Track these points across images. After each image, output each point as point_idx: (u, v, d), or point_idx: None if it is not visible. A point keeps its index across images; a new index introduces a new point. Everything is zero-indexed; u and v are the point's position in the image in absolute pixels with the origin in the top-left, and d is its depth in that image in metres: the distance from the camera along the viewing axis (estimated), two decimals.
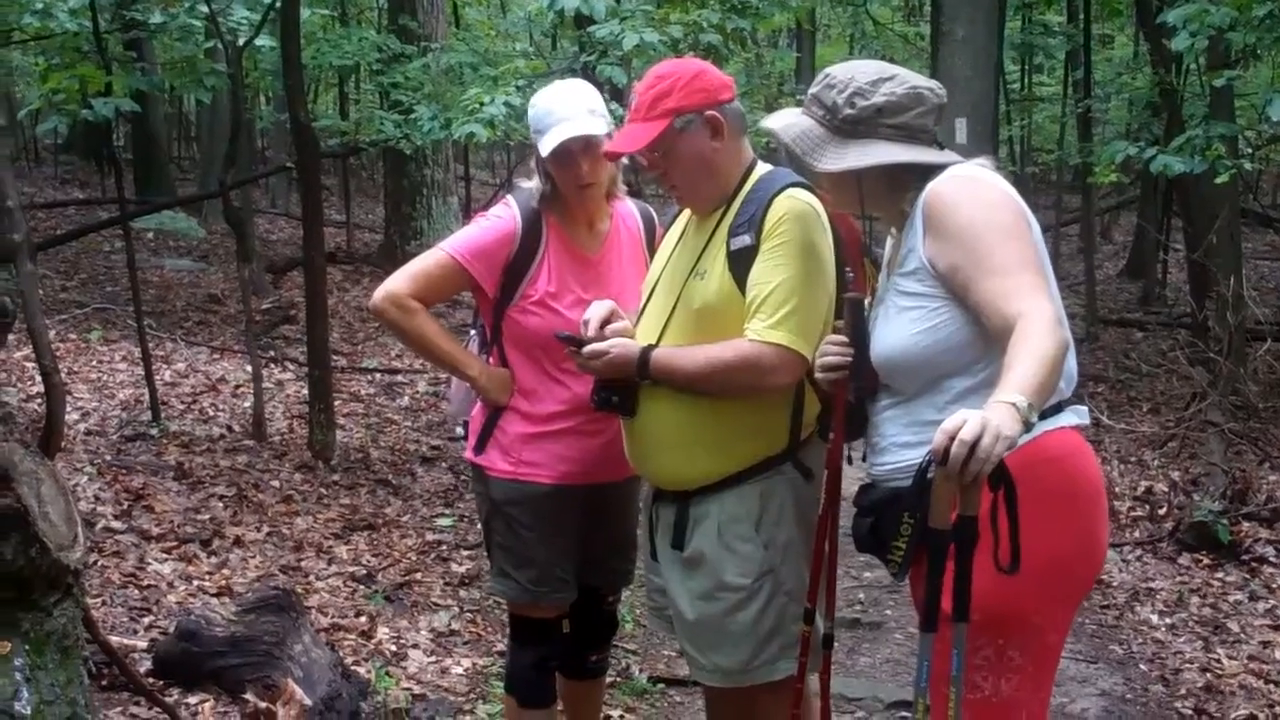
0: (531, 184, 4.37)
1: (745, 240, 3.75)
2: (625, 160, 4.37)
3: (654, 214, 4.62)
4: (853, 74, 3.44)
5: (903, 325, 3.31)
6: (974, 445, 2.71)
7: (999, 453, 2.73)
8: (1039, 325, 2.95)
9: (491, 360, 4.40)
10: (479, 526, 4.66)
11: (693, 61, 4.07)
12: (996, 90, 14.98)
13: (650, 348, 3.88)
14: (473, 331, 4.60)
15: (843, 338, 3.50)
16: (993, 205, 3.23)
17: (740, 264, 3.75)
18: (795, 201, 3.75)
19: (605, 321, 3.98)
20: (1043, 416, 3.07)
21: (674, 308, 3.89)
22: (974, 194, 3.25)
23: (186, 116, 31.50)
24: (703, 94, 3.82)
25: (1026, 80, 26.50)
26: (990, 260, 3.12)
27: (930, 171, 3.34)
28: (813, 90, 3.51)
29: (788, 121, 3.51)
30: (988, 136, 12.51)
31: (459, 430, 4.76)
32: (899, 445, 3.36)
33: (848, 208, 3.62)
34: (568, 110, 4.20)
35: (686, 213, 4.08)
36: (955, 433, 2.73)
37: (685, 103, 3.79)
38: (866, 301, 3.53)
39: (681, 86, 3.80)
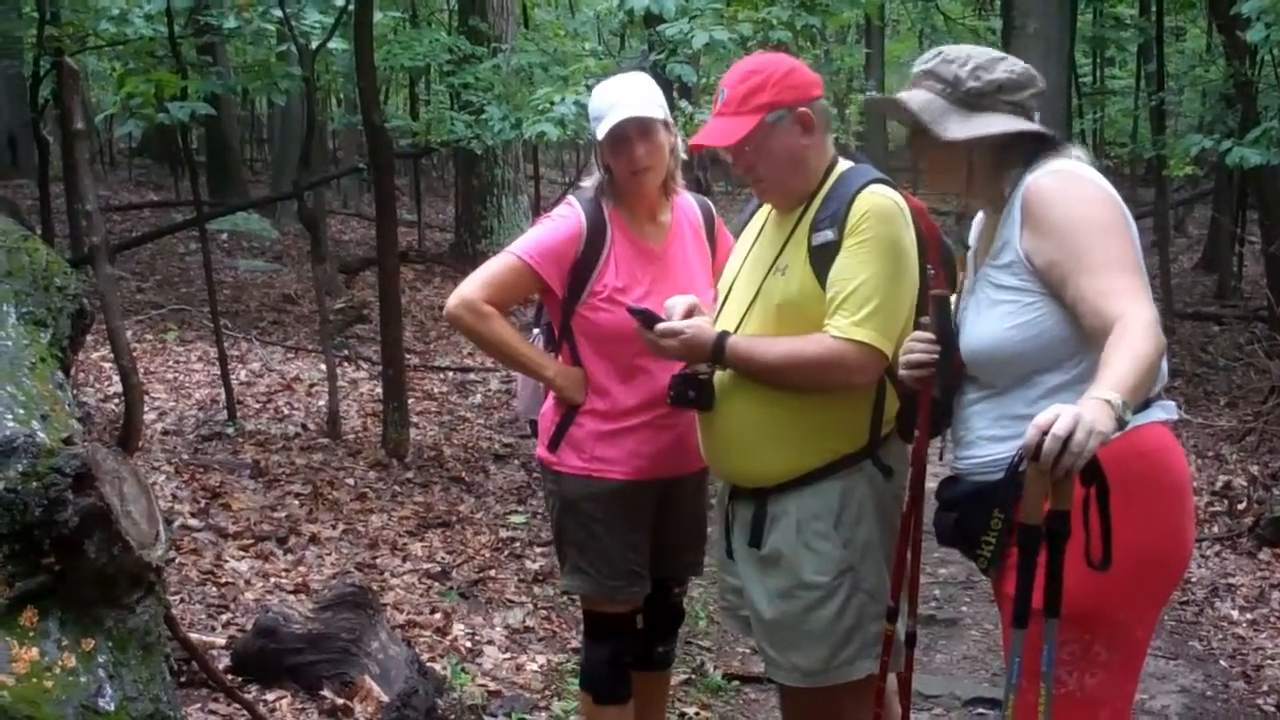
0: (592, 180, 4.40)
1: (828, 236, 3.73)
2: (685, 155, 4.41)
3: (712, 207, 4.64)
4: (970, 52, 3.47)
5: (996, 319, 3.30)
6: (1067, 440, 2.70)
7: (1092, 448, 2.72)
8: (1138, 327, 2.94)
9: (560, 359, 4.41)
10: (551, 524, 4.67)
11: (783, 57, 4.03)
12: (1069, 84, 14.87)
13: (726, 334, 3.86)
14: (536, 330, 4.60)
15: (929, 335, 3.48)
16: (1093, 202, 3.22)
17: (822, 260, 3.73)
18: (879, 198, 3.73)
19: (687, 314, 3.97)
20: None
21: (753, 302, 3.88)
22: (1075, 191, 3.24)
23: (258, 119, 31.79)
24: (795, 90, 3.81)
25: (1098, 73, 26.27)
26: (1089, 258, 3.11)
27: (1034, 157, 3.35)
28: (926, 66, 3.49)
29: (905, 95, 3.50)
30: (1060, 130, 12.41)
31: (529, 429, 4.78)
32: (986, 439, 3.35)
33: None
34: (623, 97, 4.23)
35: (764, 209, 4.07)
36: (1048, 427, 2.72)
37: (779, 99, 3.78)
38: (953, 296, 3.52)
39: (775, 82, 3.79)
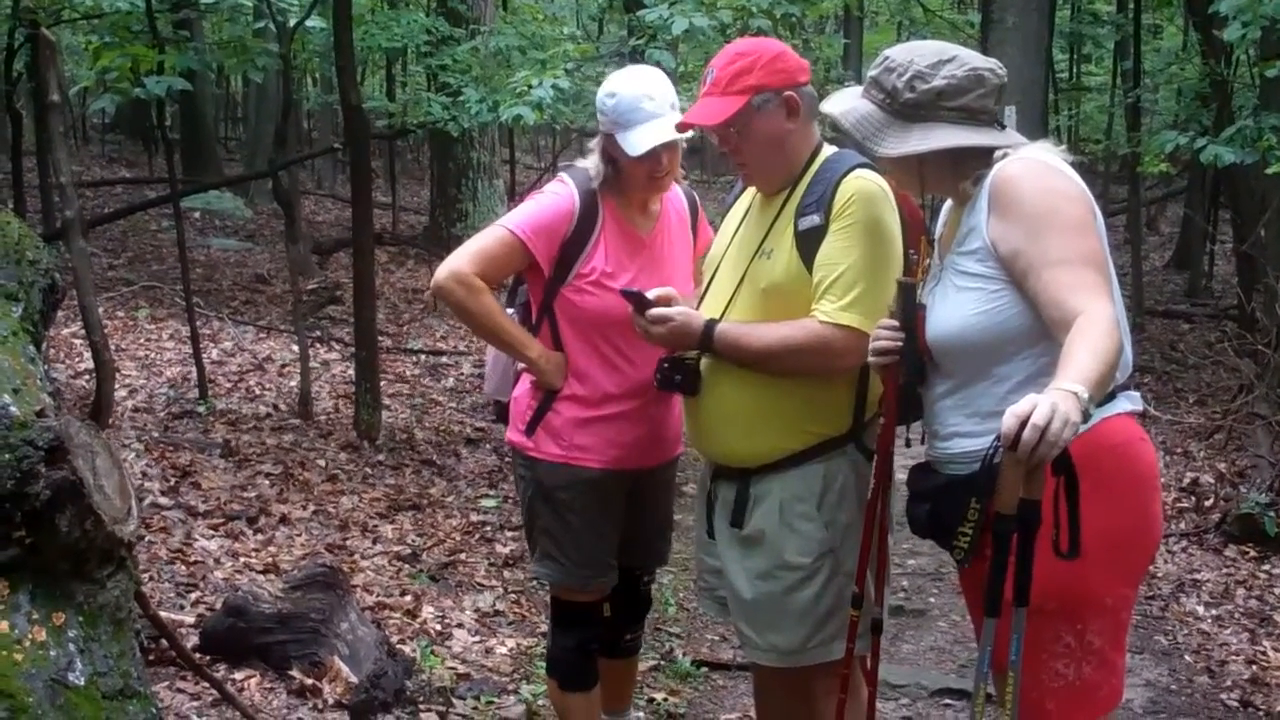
0: (588, 163, 4.33)
1: (814, 220, 3.75)
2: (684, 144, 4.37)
3: (697, 198, 4.64)
4: (912, 56, 3.40)
5: (960, 306, 3.29)
6: (1044, 429, 2.71)
7: (1067, 438, 2.73)
8: (1100, 323, 2.95)
9: (539, 341, 4.36)
10: (522, 509, 4.65)
11: (772, 41, 4.06)
12: (1046, 79, 14.89)
13: (714, 321, 3.88)
14: (511, 310, 4.52)
15: (893, 322, 3.48)
16: (1063, 195, 3.21)
17: (808, 244, 3.75)
18: (864, 182, 3.75)
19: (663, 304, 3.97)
20: (1099, 404, 3.07)
21: (739, 286, 3.90)
22: (1045, 181, 3.22)
23: (233, 97, 31.67)
24: (783, 74, 3.82)
25: (1075, 70, 26.36)
26: (1055, 251, 3.10)
27: (993, 153, 3.32)
28: (871, 73, 3.47)
29: (847, 106, 3.48)
30: (1037, 125, 12.44)
31: (495, 410, 4.74)
32: (961, 435, 3.35)
33: (910, 189, 3.62)
34: (656, 106, 4.16)
35: (749, 193, 4.08)
36: (1026, 417, 2.72)
37: (765, 81, 3.80)
38: (919, 282, 3.51)
39: (763, 65, 3.80)
